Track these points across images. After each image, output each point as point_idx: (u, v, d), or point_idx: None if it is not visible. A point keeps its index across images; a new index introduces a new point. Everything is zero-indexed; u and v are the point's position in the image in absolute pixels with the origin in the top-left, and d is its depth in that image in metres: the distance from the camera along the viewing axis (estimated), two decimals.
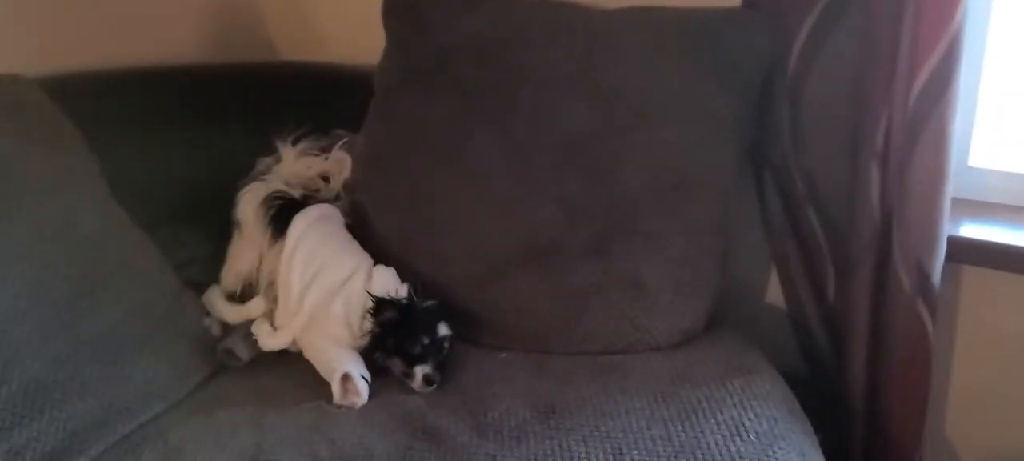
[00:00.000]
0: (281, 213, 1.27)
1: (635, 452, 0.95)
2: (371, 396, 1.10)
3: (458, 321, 1.19)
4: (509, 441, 1.00)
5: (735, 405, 1.02)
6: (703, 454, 0.94)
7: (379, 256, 1.29)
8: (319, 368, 1.15)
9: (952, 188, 1.06)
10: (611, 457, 0.95)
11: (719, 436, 0.97)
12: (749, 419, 0.99)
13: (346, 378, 1.10)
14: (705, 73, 1.20)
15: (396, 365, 1.15)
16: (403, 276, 1.22)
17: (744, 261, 1.38)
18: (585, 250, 1.18)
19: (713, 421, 0.99)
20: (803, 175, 1.24)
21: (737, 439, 0.96)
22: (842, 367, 1.23)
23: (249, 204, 1.30)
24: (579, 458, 0.96)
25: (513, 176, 1.22)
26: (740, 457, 0.93)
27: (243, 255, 1.29)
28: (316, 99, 1.63)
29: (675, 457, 0.94)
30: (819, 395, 1.21)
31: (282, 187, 1.31)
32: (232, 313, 1.25)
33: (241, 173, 1.38)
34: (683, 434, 0.98)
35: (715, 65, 1.20)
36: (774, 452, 0.94)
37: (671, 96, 1.20)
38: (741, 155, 1.23)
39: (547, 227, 1.19)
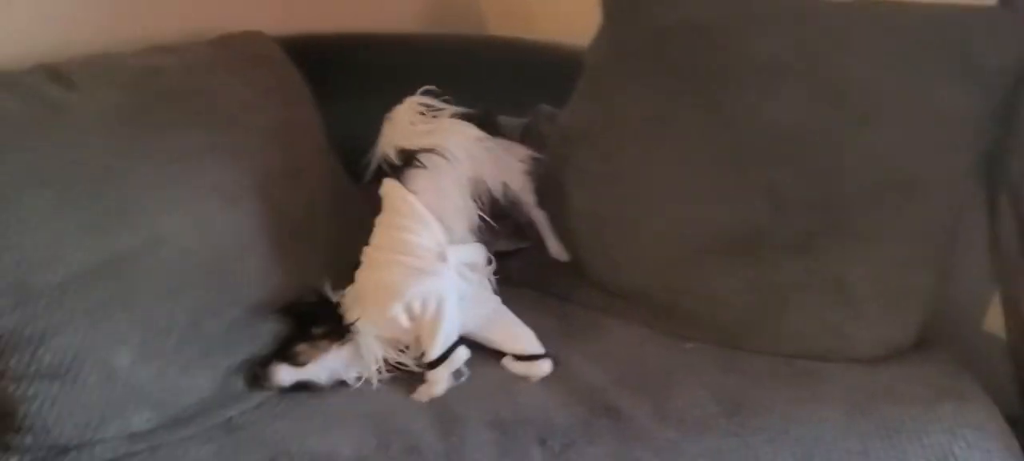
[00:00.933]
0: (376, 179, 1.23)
1: None
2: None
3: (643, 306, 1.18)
4: (691, 430, 0.97)
5: (944, 431, 0.94)
6: None
7: (569, 232, 1.30)
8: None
9: None
10: None
11: (923, 460, 0.90)
12: (959, 447, 0.91)
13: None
14: (944, 74, 1.10)
15: None
16: (596, 256, 1.23)
17: (964, 282, 1.26)
18: (790, 246, 1.12)
19: (917, 444, 0.92)
20: None
21: None
22: None
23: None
24: (766, 458, 0.92)
25: (719, 163, 1.18)
26: None
27: None
28: (521, 75, 1.67)
29: None
30: None
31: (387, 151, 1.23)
32: None
33: None
34: (882, 452, 0.91)
35: (957, 67, 1.10)
36: None
37: (902, 95, 1.11)
38: (973, 166, 1.12)
39: (751, 217, 1.14)
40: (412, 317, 1.13)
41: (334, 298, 1.14)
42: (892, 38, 1.14)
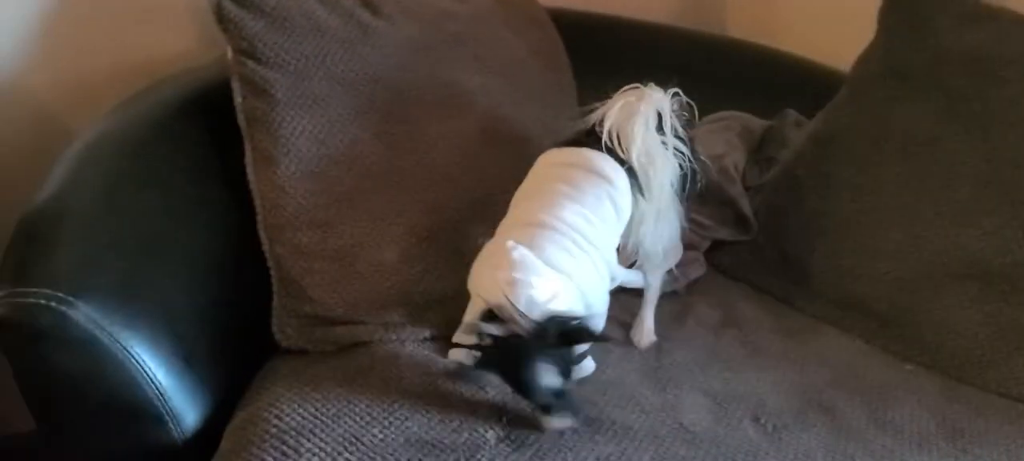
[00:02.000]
0: None
1: None
2: None
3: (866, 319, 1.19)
4: (909, 443, 0.98)
5: None
6: None
7: (800, 232, 1.32)
8: None
9: None
10: None
11: None
12: None
13: None
14: None
15: None
16: (824, 260, 1.24)
17: None
18: None
19: None
20: None
21: None
22: None
23: None
24: None
25: (976, 189, 1.17)
26: None
27: None
28: (764, 83, 1.70)
29: None
30: None
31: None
32: None
33: None
34: None
35: None
36: None
37: None
38: None
39: (1005, 249, 1.13)
40: None
41: None
42: None
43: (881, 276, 1.22)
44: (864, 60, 1.37)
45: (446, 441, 0.92)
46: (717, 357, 1.15)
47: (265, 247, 1.12)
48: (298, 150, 1.14)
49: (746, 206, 1.38)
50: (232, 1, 1.18)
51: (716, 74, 1.69)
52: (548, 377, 0.90)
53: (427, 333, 1.12)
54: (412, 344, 1.10)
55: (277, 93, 1.15)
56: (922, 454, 0.97)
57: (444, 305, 1.13)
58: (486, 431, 0.94)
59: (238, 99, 1.16)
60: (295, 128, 1.15)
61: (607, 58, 1.64)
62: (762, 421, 1.01)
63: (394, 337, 1.10)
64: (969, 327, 1.13)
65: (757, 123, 1.54)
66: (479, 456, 0.91)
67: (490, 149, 1.27)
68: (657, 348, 1.16)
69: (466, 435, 0.93)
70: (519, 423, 0.95)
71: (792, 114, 1.51)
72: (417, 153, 1.21)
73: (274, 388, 0.99)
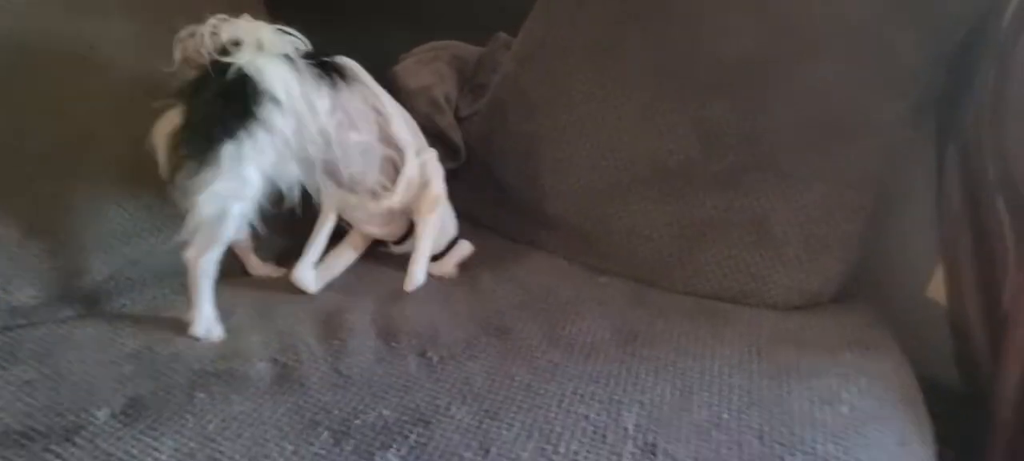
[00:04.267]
0: None
1: (706, 394, 0.85)
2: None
3: (566, 237, 1.14)
4: (577, 355, 0.93)
5: (838, 376, 0.88)
6: (782, 413, 0.82)
7: (504, 155, 1.27)
8: None
9: None
10: (679, 393, 0.86)
11: (806, 401, 0.84)
12: (848, 392, 0.86)
13: None
14: (895, 10, 1.04)
15: None
16: (526, 181, 1.19)
17: (910, 245, 1.20)
18: (714, 182, 1.08)
19: (805, 385, 0.87)
20: (998, 157, 1.05)
21: (826, 408, 0.83)
22: (998, 379, 1.03)
23: None
24: (645, 387, 0.88)
25: (655, 89, 1.14)
26: (823, 426, 0.80)
27: None
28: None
29: (747, 409, 0.83)
30: (968, 409, 1.03)
31: None
32: None
33: None
34: (765, 390, 0.86)
35: (909, 6, 1.04)
36: (865, 430, 0.80)
37: (848, 28, 1.05)
38: (917, 115, 1.06)
39: (679, 149, 1.10)
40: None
41: None
42: None
43: (575, 191, 1.18)
44: None
45: (39, 427, 0.80)
46: (403, 295, 1.07)
47: None
48: None
49: (457, 136, 1.32)
50: None
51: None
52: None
53: (68, 313, 1.00)
54: (51, 327, 0.98)
55: None
56: (589, 363, 0.92)
57: (84, 280, 1.01)
58: (97, 410, 0.83)
59: None
60: None
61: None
62: (428, 354, 0.94)
63: (24, 321, 0.97)
64: (654, 230, 1.11)
65: (471, 50, 1.47)
66: (80, 436, 0.79)
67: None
68: (339, 292, 1.07)
69: (70, 417, 0.81)
70: None
71: (502, 37, 1.46)
72: (44, 121, 1.06)
73: None
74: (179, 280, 1.07)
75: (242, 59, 0.93)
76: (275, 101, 0.94)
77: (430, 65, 1.39)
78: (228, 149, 0.92)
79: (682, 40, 1.14)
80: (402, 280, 1.11)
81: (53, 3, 1.13)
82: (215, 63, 0.92)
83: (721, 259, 1.06)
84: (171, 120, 0.94)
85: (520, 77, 1.27)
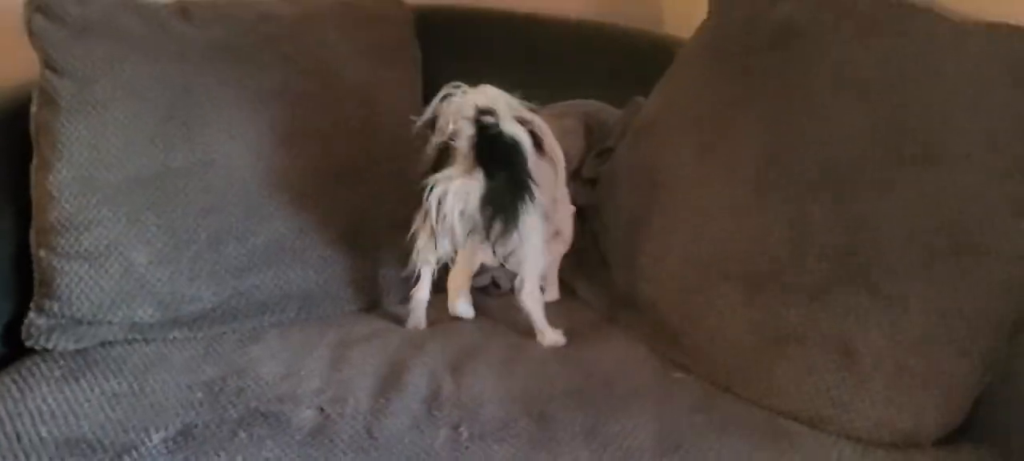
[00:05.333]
0: None
1: None
2: None
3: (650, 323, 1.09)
4: (611, 456, 0.88)
5: None
6: None
7: (608, 229, 1.22)
8: None
9: None
10: None
11: None
12: None
13: None
14: None
15: None
16: (624, 259, 1.15)
17: None
18: (801, 291, 0.96)
19: None
20: None
21: None
22: None
23: None
24: None
25: (756, 182, 1.05)
26: None
27: None
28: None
29: None
30: None
31: None
32: None
33: None
34: None
35: None
36: None
37: (984, 135, 0.90)
38: None
39: (772, 249, 1.00)
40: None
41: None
42: (995, 66, 0.92)
43: (668, 278, 1.11)
44: (693, 37, 1.25)
45: (105, 440, 0.91)
46: (469, 359, 1.08)
47: (32, 251, 1.15)
48: (72, 155, 1.16)
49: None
50: (41, 14, 1.22)
51: (606, 63, 1.61)
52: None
53: (178, 333, 1.12)
54: (159, 344, 1.11)
55: (61, 100, 1.18)
56: None
57: (195, 306, 1.13)
58: (155, 432, 0.92)
59: (33, 110, 1.21)
60: (72, 134, 1.17)
61: (476, 51, 1.59)
62: (460, 429, 0.94)
63: (139, 337, 1.11)
64: (736, 333, 1.01)
65: (609, 112, 1.43)
66: (130, 456, 0.89)
67: (285, 147, 1.26)
68: (416, 345, 1.11)
69: (130, 436, 0.92)
70: None
71: (639, 101, 1.40)
72: (196, 152, 1.20)
73: None
74: (276, 314, 1.17)
75: (506, 126, 1.07)
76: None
77: (559, 120, 1.38)
78: (528, 207, 1.07)
79: (792, 133, 1.03)
80: (480, 337, 1.13)
81: None
82: (482, 128, 1.06)
83: (801, 376, 0.94)
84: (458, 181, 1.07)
85: (634, 150, 1.22)
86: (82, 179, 1.15)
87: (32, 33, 1.22)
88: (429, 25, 1.55)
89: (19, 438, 0.91)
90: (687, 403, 0.98)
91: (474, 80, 1.52)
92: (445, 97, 1.11)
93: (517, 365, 1.07)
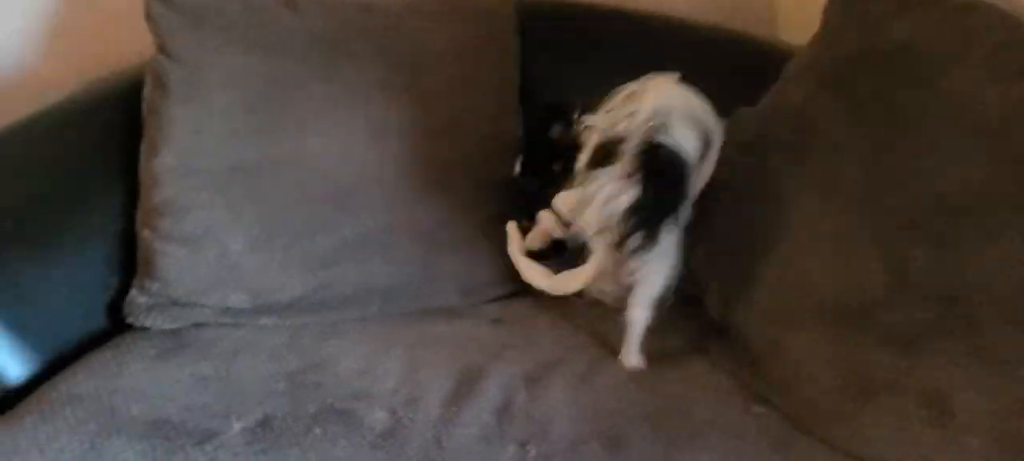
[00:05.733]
0: None
1: None
2: None
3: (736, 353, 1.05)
4: None
5: None
6: None
7: (703, 254, 1.17)
8: None
9: None
10: None
11: None
12: None
13: None
14: None
15: None
16: (714, 280, 1.12)
17: None
18: (893, 336, 0.91)
19: None
20: None
21: None
22: None
23: None
24: None
25: (857, 214, 0.99)
26: None
27: None
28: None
29: None
30: None
31: None
32: None
33: None
34: None
35: None
36: None
37: None
38: None
39: (867, 288, 0.95)
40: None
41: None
42: None
43: (756, 305, 1.06)
44: (804, 50, 1.19)
45: (189, 424, 0.95)
46: (546, 371, 1.07)
47: (137, 231, 1.21)
48: (177, 140, 1.21)
49: None
50: (159, 0, 1.28)
51: (717, 66, 1.55)
52: None
53: (267, 321, 1.16)
54: (248, 330, 1.15)
55: (170, 85, 1.24)
56: None
57: (283, 295, 1.17)
58: (236, 421, 0.96)
59: (145, 92, 1.27)
60: (177, 118, 1.22)
61: (577, 47, 1.56)
62: (528, 447, 0.94)
63: (230, 321, 1.15)
64: (821, 372, 0.96)
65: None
66: (211, 443, 0.93)
67: (377, 143, 1.27)
68: (494, 352, 1.11)
69: (214, 422, 0.96)
70: None
71: (745, 114, 1.34)
72: (291, 143, 1.24)
73: (89, 359, 1.07)
74: (359, 308, 1.19)
75: (672, 136, 1.03)
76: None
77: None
78: (670, 227, 1.04)
79: (898, 165, 0.97)
80: (561, 349, 1.12)
81: None
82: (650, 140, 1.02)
83: (888, 427, 0.89)
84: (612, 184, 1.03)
85: (733, 169, 1.16)
86: (185, 164, 1.21)
87: (150, 17, 1.27)
88: (531, 19, 1.53)
89: (113, 413, 0.97)
90: (766, 441, 0.94)
91: (573, 79, 1.52)
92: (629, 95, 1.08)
93: (594, 383, 1.05)
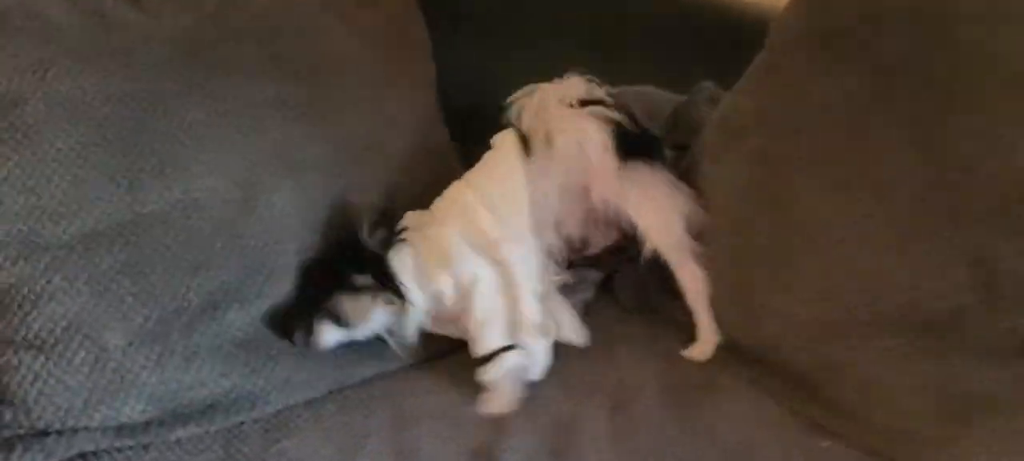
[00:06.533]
0: None
1: None
2: None
3: (779, 375, 0.89)
4: None
5: None
6: None
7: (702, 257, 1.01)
8: None
9: None
10: None
11: None
12: None
13: None
14: None
15: None
16: (730, 293, 0.95)
17: None
18: (996, 344, 0.78)
19: None
20: None
21: None
22: None
23: None
24: None
25: (918, 207, 0.85)
26: None
27: None
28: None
29: None
30: None
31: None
32: None
33: None
34: None
35: None
36: None
37: None
38: None
39: (949, 293, 0.81)
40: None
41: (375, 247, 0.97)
42: None
43: (801, 319, 0.91)
44: (784, 18, 1.03)
45: None
46: (569, 435, 0.87)
47: None
48: (4, 207, 0.86)
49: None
50: None
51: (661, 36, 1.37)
52: None
53: (183, 432, 0.87)
54: (160, 450, 0.85)
55: None
56: None
57: (199, 393, 0.87)
58: None
59: None
60: (1, 176, 0.87)
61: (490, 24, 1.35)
62: None
63: (130, 442, 0.85)
64: (900, 392, 0.83)
65: (664, 99, 1.21)
66: None
67: (282, 179, 0.99)
68: (496, 424, 0.90)
69: None
70: None
71: (707, 88, 1.19)
72: (169, 191, 0.92)
73: None
74: (305, 390, 0.93)
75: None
76: None
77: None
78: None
79: (960, 147, 0.83)
80: (571, 404, 0.92)
81: None
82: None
83: (997, 450, 0.77)
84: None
85: (724, 153, 1.01)
86: (21, 237, 0.86)
87: None
88: None
89: None
90: None
91: (495, 63, 1.29)
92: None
93: (630, 438, 0.86)
